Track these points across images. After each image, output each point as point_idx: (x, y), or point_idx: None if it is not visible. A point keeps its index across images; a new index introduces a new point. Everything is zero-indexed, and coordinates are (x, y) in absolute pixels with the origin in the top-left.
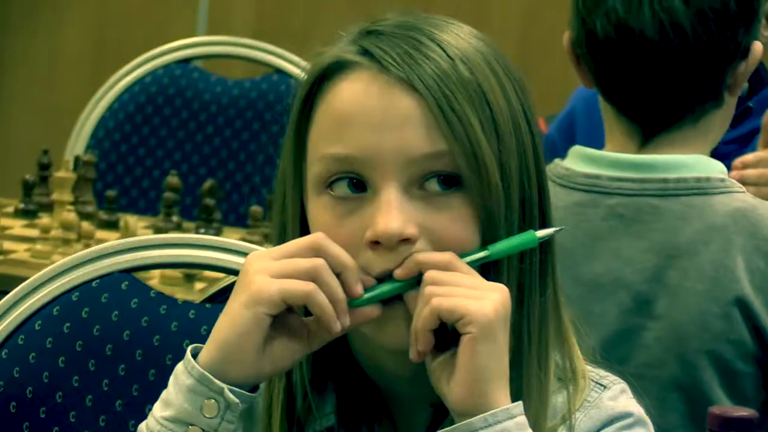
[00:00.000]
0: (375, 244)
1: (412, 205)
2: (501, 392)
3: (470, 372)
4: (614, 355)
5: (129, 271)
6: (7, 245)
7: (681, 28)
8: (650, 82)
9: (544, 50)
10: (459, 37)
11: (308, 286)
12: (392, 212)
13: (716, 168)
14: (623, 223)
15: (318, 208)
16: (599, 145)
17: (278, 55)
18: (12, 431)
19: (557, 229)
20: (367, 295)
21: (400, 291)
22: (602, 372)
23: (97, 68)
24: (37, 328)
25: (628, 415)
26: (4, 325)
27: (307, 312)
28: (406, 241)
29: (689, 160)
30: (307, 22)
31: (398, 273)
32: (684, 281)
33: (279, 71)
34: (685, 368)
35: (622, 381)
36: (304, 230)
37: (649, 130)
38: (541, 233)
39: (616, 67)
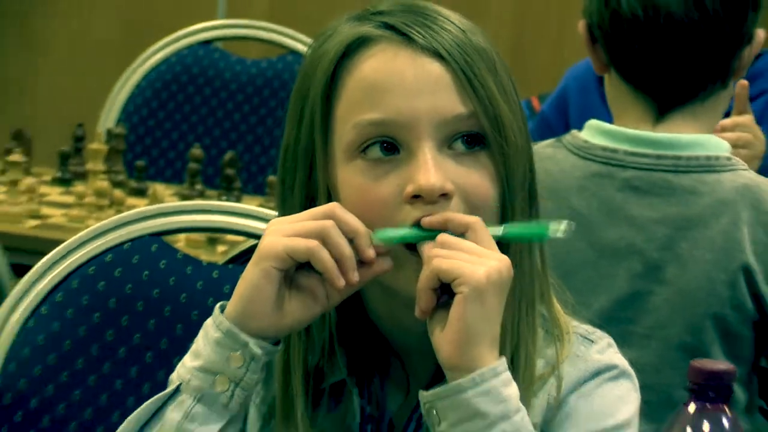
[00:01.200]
0: (415, 198)
1: (446, 164)
2: (487, 352)
3: (458, 330)
4: (623, 315)
5: (157, 235)
6: (45, 210)
7: (704, 6)
8: (670, 59)
9: (538, 32)
10: (455, 15)
11: (311, 243)
12: (432, 169)
13: (723, 147)
14: (637, 195)
15: (350, 172)
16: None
17: (292, 37)
18: (53, 380)
19: (562, 228)
20: (388, 235)
21: (419, 239)
22: (590, 328)
23: (125, 49)
24: (74, 286)
25: (613, 366)
26: (44, 284)
27: None
28: (444, 196)
29: (700, 139)
30: (320, 7)
31: (425, 221)
32: (694, 250)
33: (293, 52)
34: (690, 330)
35: (608, 336)
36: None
37: (665, 105)
38: (557, 232)
39: (638, 45)
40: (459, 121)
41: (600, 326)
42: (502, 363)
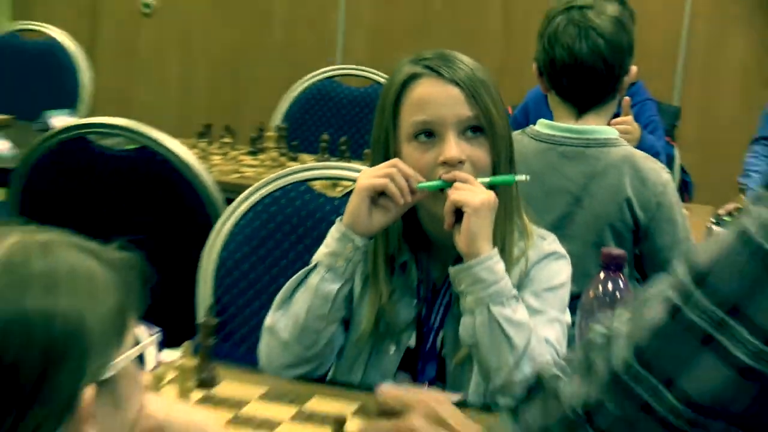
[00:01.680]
0: (443, 164)
1: (461, 144)
2: (485, 245)
3: (466, 233)
4: (561, 225)
5: (304, 182)
6: (242, 169)
7: (603, 57)
8: (584, 85)
9: (525, 51)
10: (467, 58)
11: (384, 180)
12: (454, 147)
13: (614, 133)
14: (567, 160)
15: (408, 149)
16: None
17: (377, 74)
18: (229, 290)
19: (522, 178)
20: (427, 184)
21: (445, 186)
22: (543, 232)
23: (290, 82)
24: (259, 208)
25: (556, 252)
26: (242, 208)
27: None
28: (460, 163)
29: (601, 128)
30: (396, 53)
31: (446, 176)
32: (598, 189)
33: (378, 83)
34: (597, 234)
35: (553, 235)
36: None
37: (581, 109)
38: (517, 178)
39: (565, 78)
40: (467, 120)
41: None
42: (495, 252)
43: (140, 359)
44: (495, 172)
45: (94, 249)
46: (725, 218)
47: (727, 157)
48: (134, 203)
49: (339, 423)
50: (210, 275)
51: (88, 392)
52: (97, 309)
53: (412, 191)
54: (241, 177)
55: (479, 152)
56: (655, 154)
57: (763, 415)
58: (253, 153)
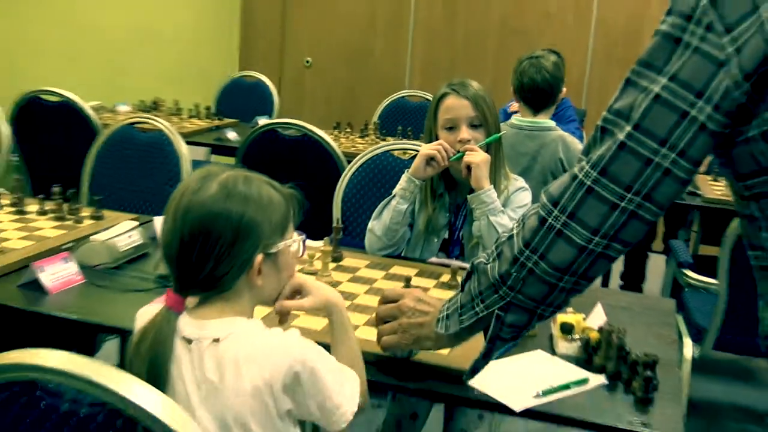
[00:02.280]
0: (460, 142)
1: (469, 131)
2: (486, 183)
3: (474, 177)
4: (524, 175)
5: (388, 151)
6: (356, 145)
7: (549, 82)
8: (539, 98)
9: (507, 78)
10: (475, 83)
11: (434, 151)
12: (465, 133)
13: (552, 123)
14: (528, 138)
15: (443, 134)
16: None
17: (428, 95)
18: (349, 209)
19: (500, 134)
20: (455, 157)
21: (462, 155)
22: (517, 177)
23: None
24: (360, 170)
25: (524, 187)
26: (353, 169)
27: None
28: (469, 141)
29: (546, 121)
30: (440, 78)
31: (463, 148)
32: (545, 155)
33: (428, 100)
34: (545, 179)
35: (521, 178)
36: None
37: (536, 110)
38: (497, 135)
39: (530, 93)
40: (472, 119)
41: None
42: (491, 187)
43: (296, 249)
44: (489, 145)
45: (274, 184)
46: None
47: None
48: (301, 165)
49: (407, 279)
50: (339, 202)
51: (259, 258)
52: (269, 216)
53: (448, 158)
54: (355, 149)
55: (479, 135)
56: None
57: None
58: (362, 137)
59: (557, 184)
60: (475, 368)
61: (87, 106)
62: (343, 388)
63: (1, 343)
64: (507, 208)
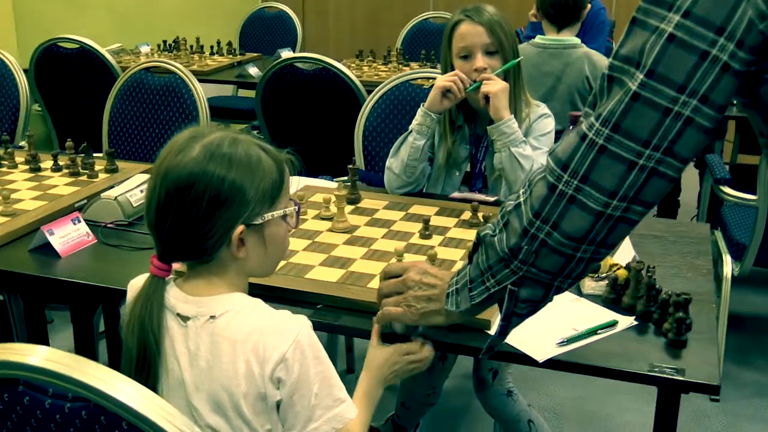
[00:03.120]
0: (476, 70)
1: (485, 59)
2: (505, 113)
3: (493, 107)
4: (548, 97)
5: (409, 80)
6: (379, 73)
7: None
8: (563, 14)
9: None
10: (490, 7)
11: (449, 83)
12: (480, 61)
13: (578, 40)
14: (552, 56)
15: (458, 63)
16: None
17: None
18: (371, 143)
19: (517, 60)
20: (471, 87)
21: (479, 84)
22: (539, 103)
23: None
24: (382, 99)
25: (546, 113)
26: (374, 98)
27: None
28: (485, 69)
29: (571, 38)
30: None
31: (479, 78)
32: (571, 75)
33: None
34: (571, 100)
35: (543, 104)
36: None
37: (560, 27)
38: (515, 61)
39: (553, 9)
40: (487, 45)
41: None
42: (511, 116)
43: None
44: (506, 72)
45: (266, 147)
46: None
47: None
48: (320, 98)
49: (425, 221)
50: (360, 135)
51: (239, 229)
52: (256, 182)
53: (464, 89)
54: (378, 77)
55: (496, 62)
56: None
57: None
58: (384, 64)
59: (564, 145)
60: (491, 347)
61: (105, 51)
62: (324, 401)
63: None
64: (529, 136)
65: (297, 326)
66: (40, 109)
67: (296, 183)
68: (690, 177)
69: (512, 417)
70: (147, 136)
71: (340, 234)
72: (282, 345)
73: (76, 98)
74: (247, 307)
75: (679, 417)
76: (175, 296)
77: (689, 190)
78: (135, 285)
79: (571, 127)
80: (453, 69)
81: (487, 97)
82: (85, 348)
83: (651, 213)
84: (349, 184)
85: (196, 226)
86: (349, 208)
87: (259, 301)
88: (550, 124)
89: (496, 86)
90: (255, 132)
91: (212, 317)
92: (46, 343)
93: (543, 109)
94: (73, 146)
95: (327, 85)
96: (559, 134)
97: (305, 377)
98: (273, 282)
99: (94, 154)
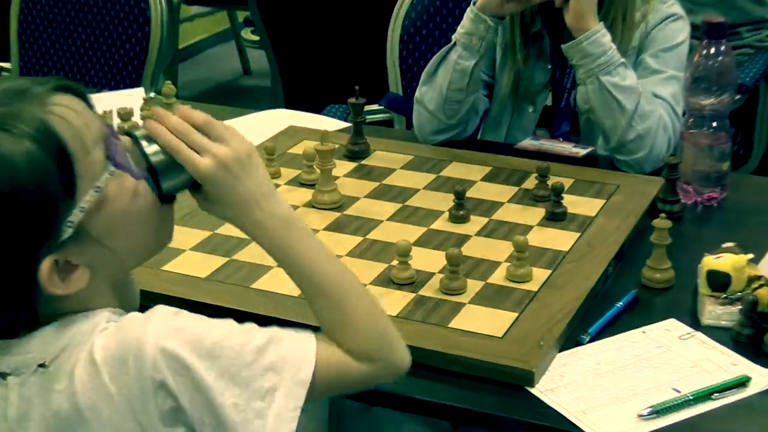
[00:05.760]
0: None
1: None
2: (592, 21)
3: (573, 11)
4: None
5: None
6: None
7: None
8: None
9: None
10: None
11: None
12: None
13: None
14: None
15: None
16: None
17: None
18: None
19: None
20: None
21: None
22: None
23: None
24: None
25: (675, 14)
26: None
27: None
28: None
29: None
30: None
31: None
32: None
33: None
34: None
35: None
36: None
37: None
38: None
39: None
40: None
41: None
42: (601, 26)
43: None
44: None
45: (5, 124)
46: None
47: None
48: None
49: (458, 194)
50: (396, 41)
51: (45, 265)
52: (18, 199)
53: None
54: None
55: None
56: None
57: None
58: None
59: None
60: None
61: None
62: (252, 400)
63: None
64: (645, 53)
65: (147, 335)
66: None
67: (276, 118)
68: None
69: None
70: (71, 58)
71: (322, 211)
72: (145, 367)
73: None
74: (86, 332)
75: None
76: None
77: None
78: None
79: (706, 42)
80: None
81: None
82: None
83: None
84: (352, 127)
85: None
86: (347, 166)
87: (102, 315)
88: (681, 31)
89: None
90: (249, 30)
91: (41, 365)
92: None
93: (671, 6)
94: None
95: None
96: None
97: (203, 391)
98: (197, 296)
99: None
